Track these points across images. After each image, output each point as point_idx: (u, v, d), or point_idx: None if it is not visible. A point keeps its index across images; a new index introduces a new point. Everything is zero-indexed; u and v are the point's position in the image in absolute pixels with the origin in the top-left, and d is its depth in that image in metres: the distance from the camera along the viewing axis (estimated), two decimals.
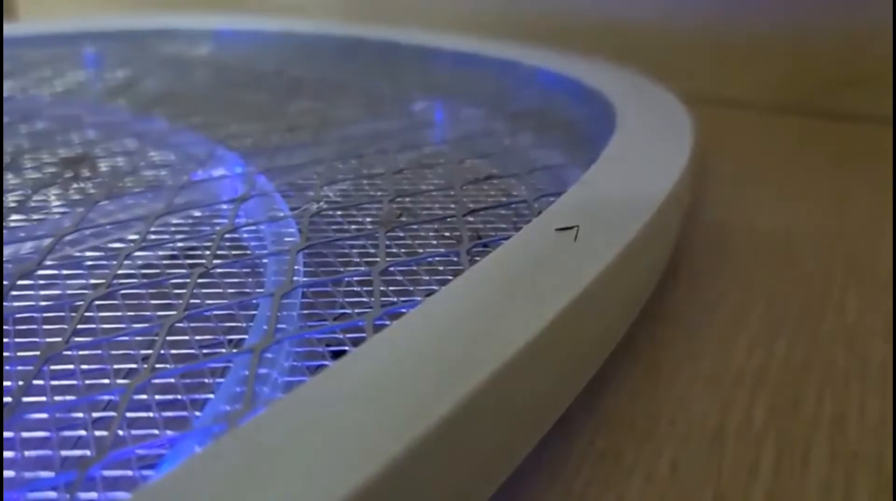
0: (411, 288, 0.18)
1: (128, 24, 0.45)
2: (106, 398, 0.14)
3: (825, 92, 0.43)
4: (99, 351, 0.16)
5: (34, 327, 0.17)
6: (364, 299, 0.18)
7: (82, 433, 0.14)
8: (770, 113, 0.45)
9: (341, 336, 0.16)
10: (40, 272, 0.18)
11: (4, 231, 0.21)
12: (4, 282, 0.17)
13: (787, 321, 0.22)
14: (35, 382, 0.14)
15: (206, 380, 0.15)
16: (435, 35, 0.42)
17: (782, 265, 0.25)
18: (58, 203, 0.23)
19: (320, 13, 0.57)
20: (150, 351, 0.15)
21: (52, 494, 0.12)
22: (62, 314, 0.18)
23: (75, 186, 0.24)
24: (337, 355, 0.16)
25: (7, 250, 0.20)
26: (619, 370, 0.20)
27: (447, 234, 0.21)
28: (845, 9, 0.42)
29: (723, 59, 0.45)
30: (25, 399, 0.14)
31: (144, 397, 0.15)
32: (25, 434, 0.14)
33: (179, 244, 0.20)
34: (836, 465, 0.17)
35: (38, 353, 0.15)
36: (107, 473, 0.12)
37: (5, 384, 0.15)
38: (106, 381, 0.15)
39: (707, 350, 0.21)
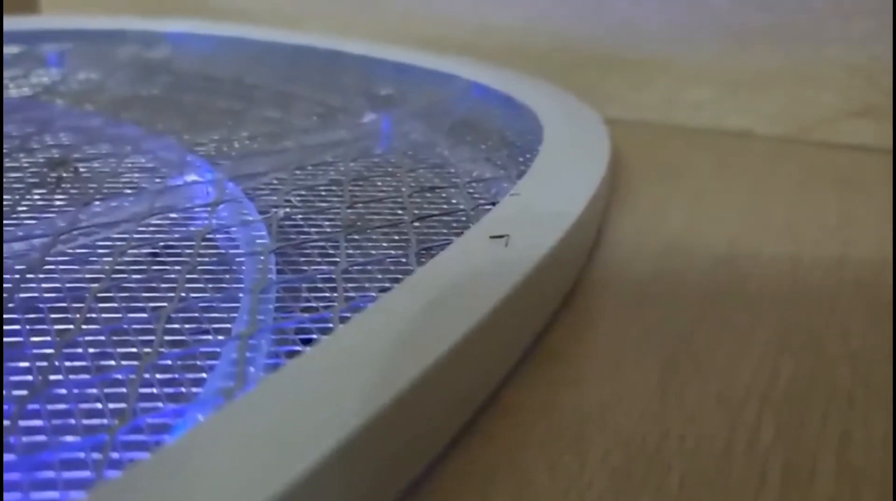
0: (367, 285, 0.22)
1: (84, 25, 0.47)
2: (117, 376, 0.17)
3: (829, 122, 0.44)
4: (102, 338, 0.19)
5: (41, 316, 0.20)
6: (327, 295, 0.21)
7: (98, 406, 0.17)
8: (775, 143, 0.44)
9: (311, 326, 0.20)
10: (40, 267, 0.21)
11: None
12: (15, 276, 0.20)
13: (793, 343, 0.22)
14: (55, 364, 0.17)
15: (198, 362, 0.18)
16: (380, 46, 0.45)
17: (788, 291, 0.26)
18: (44, 205, 0.25)
19: (313, 24, 0.56)
20: (152, 338, 0.18)
21: (80, 455, 0.15)
22: (65, 304, 0.20)
23: (61, 187, 0.26)
24: (306, 342, 0.19)
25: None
26: (631, 389, 0.20)
27: (397, 238, 0.24)
28: (849, 40, 0.42)
29: (729, 91, 0.46)
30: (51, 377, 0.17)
31: (147, 376, 0.18)
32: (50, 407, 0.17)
33: (161, 244, 0.23)
34: (841, 480, 0.17)
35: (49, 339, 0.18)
36: (125, 438, 0.16)
37: (26, 365, 0.18)
38: (112, 363, 0.18)
39: (715, 370, 0.21)
